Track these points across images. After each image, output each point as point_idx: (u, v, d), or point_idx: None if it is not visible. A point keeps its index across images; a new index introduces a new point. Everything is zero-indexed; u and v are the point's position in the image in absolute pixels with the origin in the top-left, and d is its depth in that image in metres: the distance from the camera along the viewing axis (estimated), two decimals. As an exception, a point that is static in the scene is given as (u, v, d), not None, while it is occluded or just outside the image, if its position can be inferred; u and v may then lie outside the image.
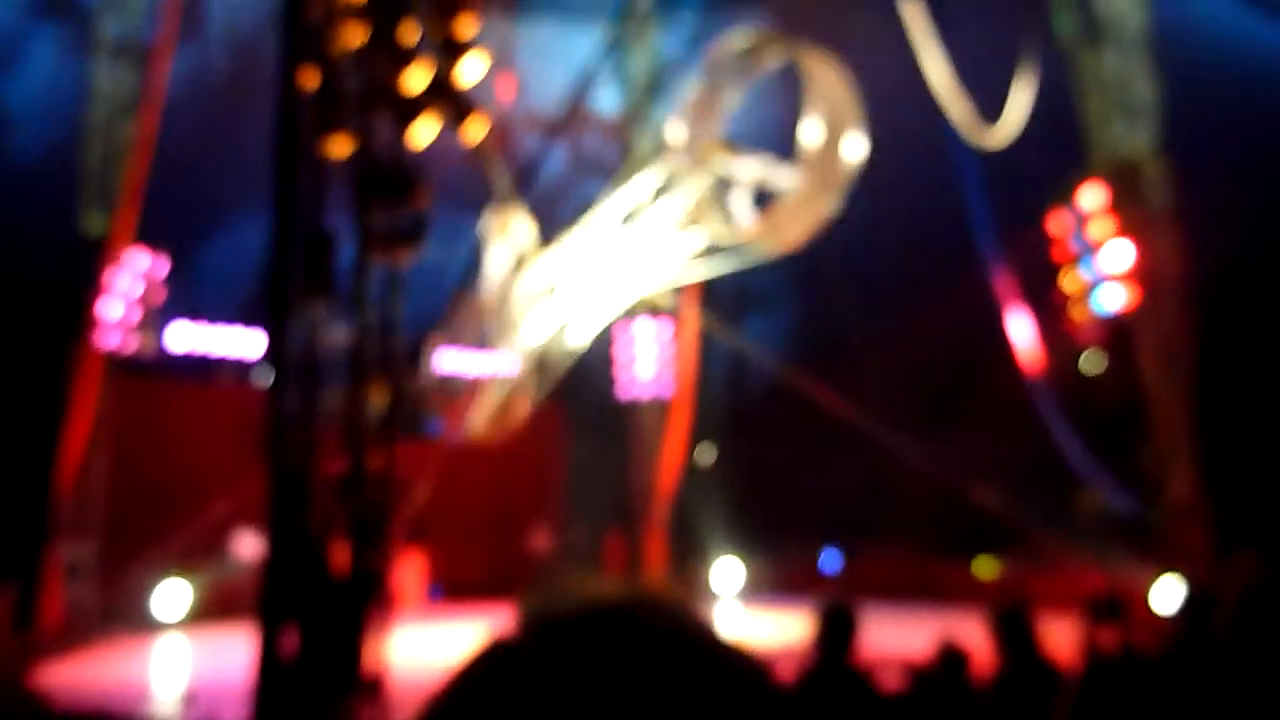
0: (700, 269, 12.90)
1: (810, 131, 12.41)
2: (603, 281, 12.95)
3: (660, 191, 12.45)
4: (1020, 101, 12.70)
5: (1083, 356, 14.27)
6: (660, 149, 13.51)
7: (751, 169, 12.48)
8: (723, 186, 12.45)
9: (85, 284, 14.05)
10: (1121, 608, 6.78)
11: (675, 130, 12.73)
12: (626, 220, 12.58)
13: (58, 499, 13.44)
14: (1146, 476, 13.13)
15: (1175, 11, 14.05)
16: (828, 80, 12.20)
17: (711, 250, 12.60)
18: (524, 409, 13.81)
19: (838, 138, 12.26)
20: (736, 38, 12.87)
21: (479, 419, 13.91)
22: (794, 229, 12.46)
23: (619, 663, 0.65)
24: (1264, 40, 13.78)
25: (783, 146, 12.56)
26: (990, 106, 12.84)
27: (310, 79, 6.72)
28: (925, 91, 12.48)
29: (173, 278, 15.53)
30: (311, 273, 6.51)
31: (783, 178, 12.42)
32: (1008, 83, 12.87)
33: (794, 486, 19.23)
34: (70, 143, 14.70)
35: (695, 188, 12.30)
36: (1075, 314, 13.80)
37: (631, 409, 20.75)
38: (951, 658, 3.91)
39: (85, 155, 14.47)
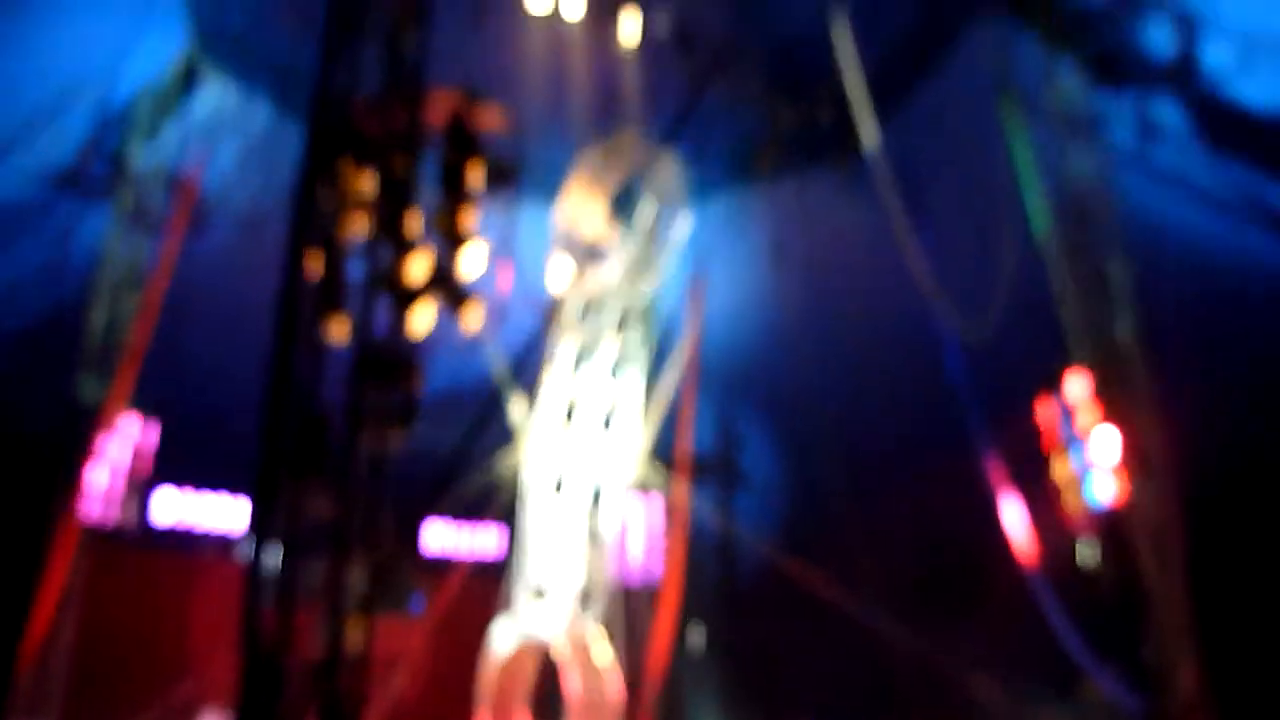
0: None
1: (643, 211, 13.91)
2: (592, 455, 13.03)
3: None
4: (1001, 290, 13.13)
5: (1078, 546, 14.12)
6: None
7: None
8: None
9: (75, 448, 14.01)
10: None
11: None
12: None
13: (18, 672, 12.90)
14: (1149, 669, 12.73)
15: (1146, 207, 14.75)
16: (665, 173, 13.37)
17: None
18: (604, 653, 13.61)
19: (668, 218, 13.19)
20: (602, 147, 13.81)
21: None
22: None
23: None
24: (1230, 243, 14.39)
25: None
26: (975, 293, 13.25)
27: (315, 264, 6.95)
28: (912, 281, 12.93)
29: (164, 443, 15.51)
30: (302, 452, 6.52)
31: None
32: (990, 270, 13.35)
33: (787, 671, 18.57)
34: (75, 306, 15.03)
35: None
36: (1069, 504, 13.76)
37: (621, 591, 20.25)
38: None
39: (89, 320, 14.76)
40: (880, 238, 13.51)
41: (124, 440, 14.63)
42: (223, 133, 16.11)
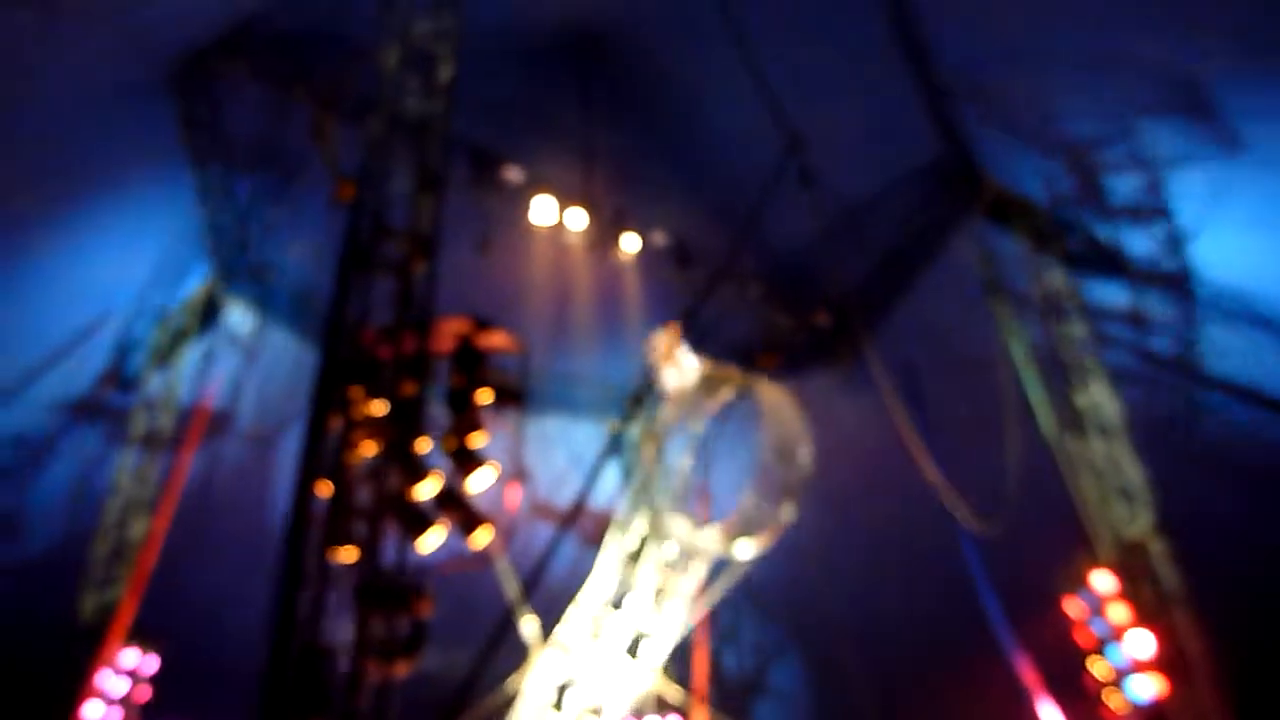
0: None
1: (764, 445, 13.35)
2: (608, 672, 12.56)
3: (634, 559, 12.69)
4: (1012, 485, 13.03)
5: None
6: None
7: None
8: None
9: (74, 676, 13.55)
10: None
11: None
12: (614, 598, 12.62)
13: None
14: None
15: (1151, 397, 14.84)
16: (779, 405, 13.12)
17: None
18: None
19: (790, 452, 12.88)
20: (696, 370, 13.80)
21: None
22: (756, 533, 12.75)
23: None
24: (1245, 423, 14.39)
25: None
26: (986, 487, 13.13)
27: (324, 490, 6.97)
28: (922, 479, 12.86)
29: (163, 675, 14.98)
30: (305, 688, 6.30)
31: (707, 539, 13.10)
32: (999, 463, 13.28)
33: None
34: (85, 533, 14.95)
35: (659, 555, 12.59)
36: (1111, 703, 13.08)
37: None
38: None
39: (95, 548, 14.64)
40: (885, 434, 13.56)
41: (122, 672, 14.14)
42: (237, 356, 16.58)
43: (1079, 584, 13.53)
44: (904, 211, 14.84)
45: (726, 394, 13.90)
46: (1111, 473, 13.78)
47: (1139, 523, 13.46)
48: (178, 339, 15.92)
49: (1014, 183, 14.29)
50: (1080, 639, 13.58)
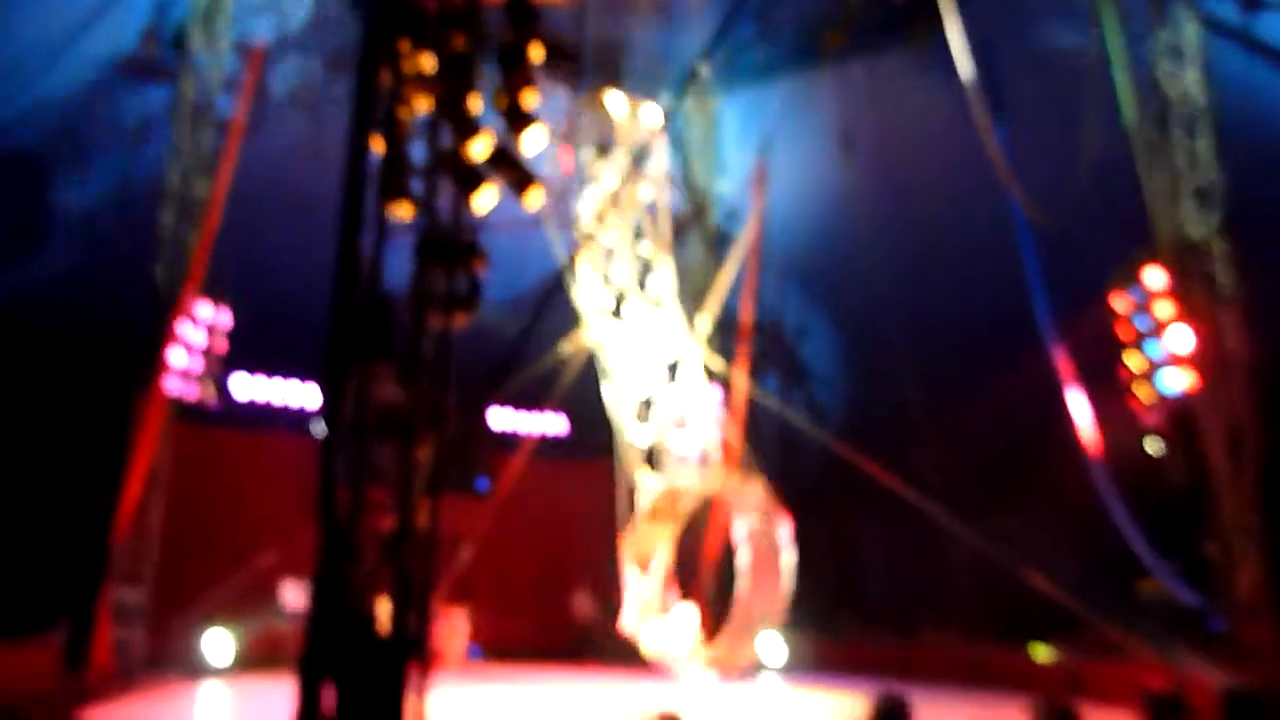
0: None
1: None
2: (653, 337, 13.15)
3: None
4: (1081, 178, 12.63)
5: (1147, 440, 13.89)
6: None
7: None
8: None
9: (154, 334, 14.51)
10: (1184, 707, 6.51)
11: None
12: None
13: (113, 542, 13.72)
14: (1211, 567, 12.65)
15: (1243, 92, 13.91)
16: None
17: None
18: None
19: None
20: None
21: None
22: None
23: None
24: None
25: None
26: (1053, 185, 12.77)
27: (378, 146, 6.94)
28: (989, 165, 12.46)
29: (238, 330, 15.98)
30: (369, 335, 6.64)
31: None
32: (1071, 162, 12.81)
33: (845, 562, 18.84)
34: (148, 197, 15.36)
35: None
36: (1140, 394, 13.49)
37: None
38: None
39: (162, 212, 15.09)
40: (954, 121, 13.00)
41: (200, 324, 15.09)
42: (280, 14, 15.99)
43: (1131, 280, 13.48)
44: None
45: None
46: (1187, 169, 13.25)
47: (1205, 222, 13.12)
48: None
49: None
50: (1121, 333, 13.77)
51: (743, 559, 14.57)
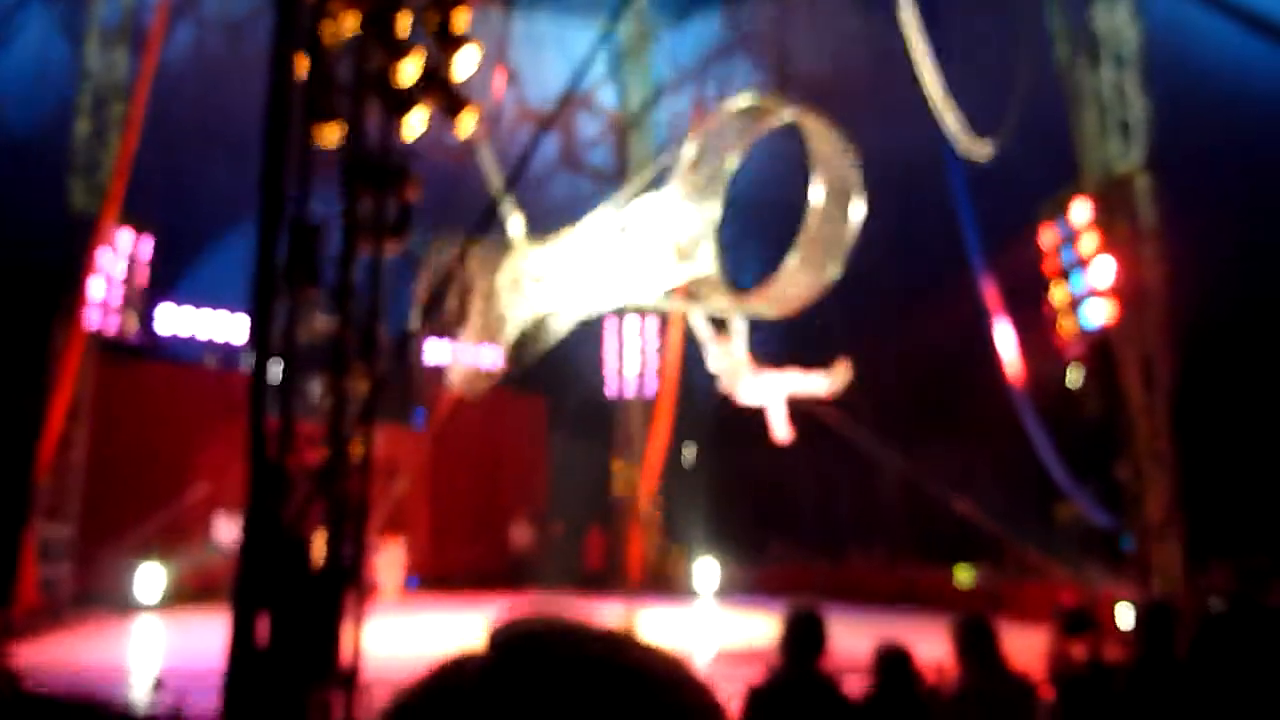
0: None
1: (814, 197, 12.65)
2: (591, 280, 13.05)
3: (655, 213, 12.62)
4: (1012, 111, 12.76)
5: (1068, 370, 14.35)
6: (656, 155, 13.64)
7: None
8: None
9: (71, 262, 13.96)
10: (1093, 621, 6.85)
11: (674, 191, 12.78)
12: (622, 231, 12.70)
13: (36, 479, 13.36)
14: (1124, 491, 13.22)
15: (1170, 29, 14.12)
16: (829, 146, 12.39)
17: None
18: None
19: (840, 205, 12.56)
20: (739, 99, 12.91)
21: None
22: (795, 294, 12.86)
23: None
24: (1257, 60, 13.84)
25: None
26: (984, 117, 12.88)
27: (302, 66, 6.69)
28: (921, 97, 12.52)
29: (160, 260, 15.46)
30: (297, 262, 6.47)
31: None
32: (1002, 95, 12.92)
33: (776, 489, 19.29)
34: (60, 121, 14.61)
35: (693, 219, 12.46)
36: (1062, 327, 13.90)
37: (616, 406, 20.78)
38: (891, 661, 3.91)
39: (74, 134, 14.39)
40: (890, 52, 12.98)
41: (119, 253, 14.56)
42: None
43: (1058, 213, 13.77)
44: None
45: (771, 123, 12.67)
46: (1115, 105, 13.48)
47: (1130, 157, 13.42)
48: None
49: None
50: (1047, 267, 14.12)
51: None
